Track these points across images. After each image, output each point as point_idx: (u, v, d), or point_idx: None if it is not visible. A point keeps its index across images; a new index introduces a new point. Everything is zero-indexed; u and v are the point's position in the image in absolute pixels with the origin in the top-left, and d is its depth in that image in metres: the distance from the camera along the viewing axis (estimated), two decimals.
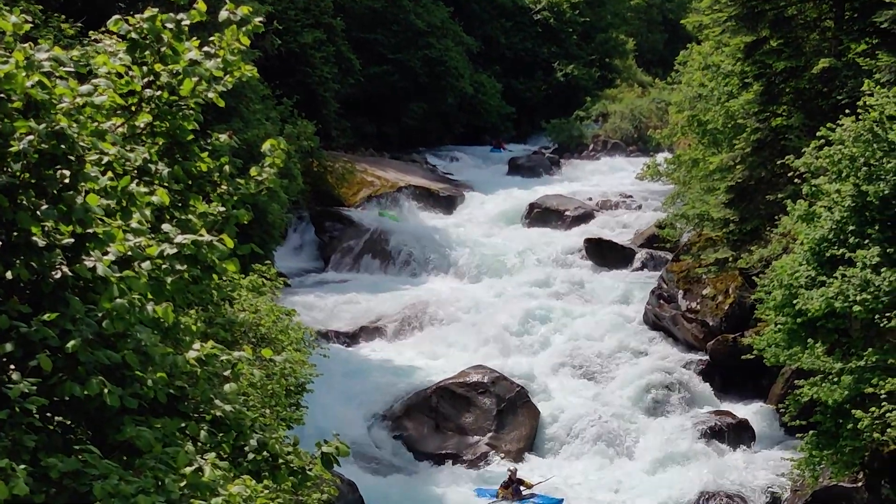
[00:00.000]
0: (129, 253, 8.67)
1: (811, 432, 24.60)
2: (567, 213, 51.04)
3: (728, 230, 35.34)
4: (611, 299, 40.80)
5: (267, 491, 13.16)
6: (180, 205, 9.78)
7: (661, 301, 37.66)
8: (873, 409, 22.03)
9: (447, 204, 55.00)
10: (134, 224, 8.93)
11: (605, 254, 45.18)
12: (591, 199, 54.32)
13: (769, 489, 28.57)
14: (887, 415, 21.66)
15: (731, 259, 34.83)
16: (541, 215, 51.46)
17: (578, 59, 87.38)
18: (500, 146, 72.80)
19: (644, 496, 28.84)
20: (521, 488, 27.15)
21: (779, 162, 30.71)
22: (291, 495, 16.18)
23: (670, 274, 37.94)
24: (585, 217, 50.61)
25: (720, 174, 36.10)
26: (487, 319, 38.86)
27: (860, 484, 26.51)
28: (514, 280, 43.02)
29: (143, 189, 9.16)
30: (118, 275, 8.44)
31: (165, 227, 9.17)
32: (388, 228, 48.55)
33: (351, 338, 38.26)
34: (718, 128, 37.19)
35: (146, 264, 8.71)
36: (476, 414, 32.37)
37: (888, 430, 21.83)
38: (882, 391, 21.85)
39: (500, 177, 64.39)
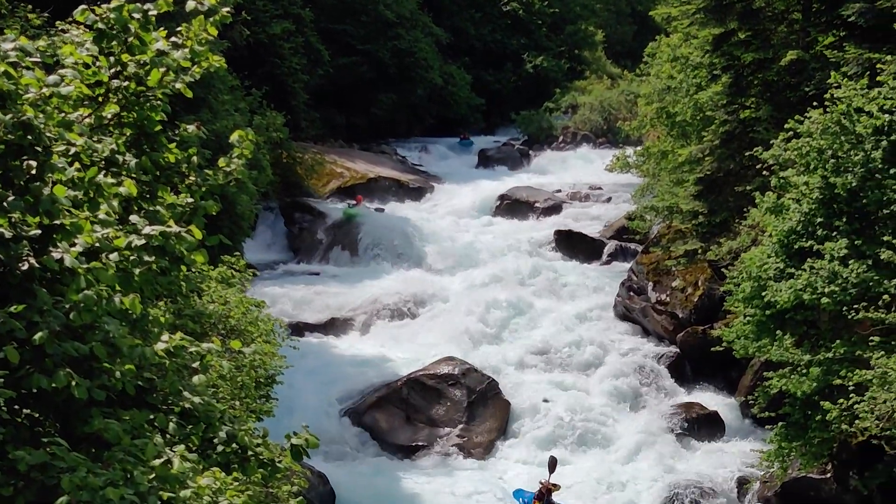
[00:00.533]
0: (97, 244, 8.62)
1: (780, 424, 24.71)
2: (537, 204, 51.12)
3: (697, 222, 35.46)
4: (581, 291, 40.88)
5: (236, 483, 13.08)
6: (148, 196, 9.74)
7: (631, 293, 37.76)
8: (842, 400, 22.12)
9: (417, 195, 54.98)
10: (101, 215, 8.89)
11: (575, 246, 45.29)
12: (560, 190, 54.45)
13: (739, 481, 28.68)
14: (855, 406, 21.75)
15: (700, 251, 34.95)
16: (510, 207, 51.53)
17: (548, 51, 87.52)
18: (466, 137, 72.48)
19: (614, 488, 28.88)
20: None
21: (747, 154, 30.84)
22: (261, 487, 16.14)
23: (640, 266, 38.04)
24: (555, 209, 50.72)
25: (689, 166, 36.21)
26: (458, 311, 38.85)
27: (829, 475, 26.64)
28: (485, 272, 42.97)
29: (110, 180, 9.12)
30: (86, 266, 8.40)
31: (133, 218, 9.12)
32: (357, 220, 48.44)
33: (321, 329, 38.18)
34: (687, 120, 37.31)
35: (114, 256, 8.66)
36: (447, 406, 32.37)
37: (856, 421, 21.93)
38: (850, 383, 21.94)
39: (469, 168, 64.49)
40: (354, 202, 49.52)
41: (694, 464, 29.78)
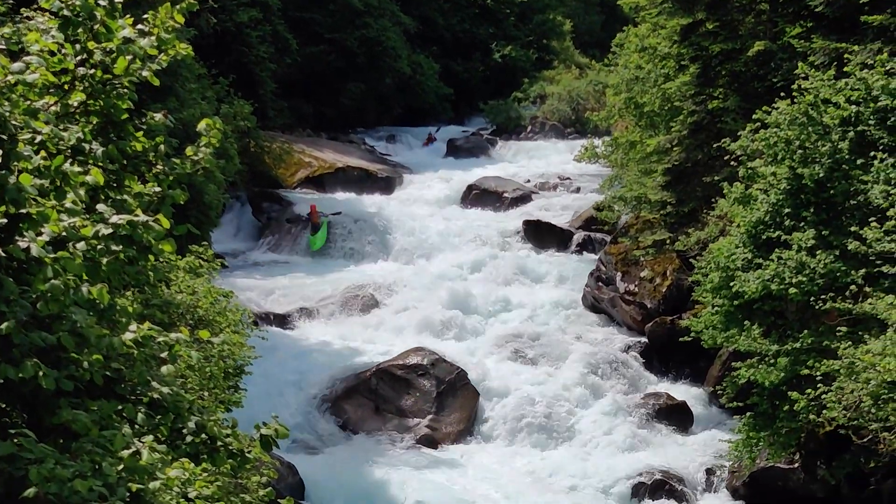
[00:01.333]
0: (64, 233, 8.58)
1: (748, 414, 24.79)
2: (505, 194, 51.12)
3: (665, 212, 35.53)
4: (550, 281, 40.95)
5: (206, 474, 13.06)
6: (115, 185, 9.70)
7: (600, 283, 37.84)
8: (809, 390, 22.22)
9: (385, 185, 54.89)
10: (68, 204, 8.84)
11: (543, 236, 45.30)
12: (529, 180, 54.46)
13: (707, 470, 28.79)
14: (823, 396, 21.85)
15: (668, 241, 35.02)
16: (479, 197, 51.52)
17: (516, 41, 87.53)
18: (433, 139, 70.48)
19: (583, 478, 28.92)
20: None
21: (715, 145, 30.89)
22: (231, 478, 16.08)
23: (608, 256, 38.11)
24: (524, 199, 50.74)
25: (657, 157, 36.28)
26: (426, 301, 38.83)
27: (797, 465, 26.77)
28: (453, 262, 42.99)
29: (77, 169, 9.07)
30: (52, 255, 8.35)
31: (100, 207, 9.07)
32: (327, 211, 48.29)
33: (289, 320, 38.06)
34: (655, 110, 37.35)
35: (81, 245, 8.61)
36: (415, 396, 32.33)
37: (824, 411, 22.03)
38: (817, 373, 22.04)
39: (438, 158, 64.42)
40: (308, 215, 47.34)
41: (662, 454, 29.84)
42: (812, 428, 24.19)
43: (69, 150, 9.28)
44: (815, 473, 25.81)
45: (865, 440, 22.40)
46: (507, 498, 27.79)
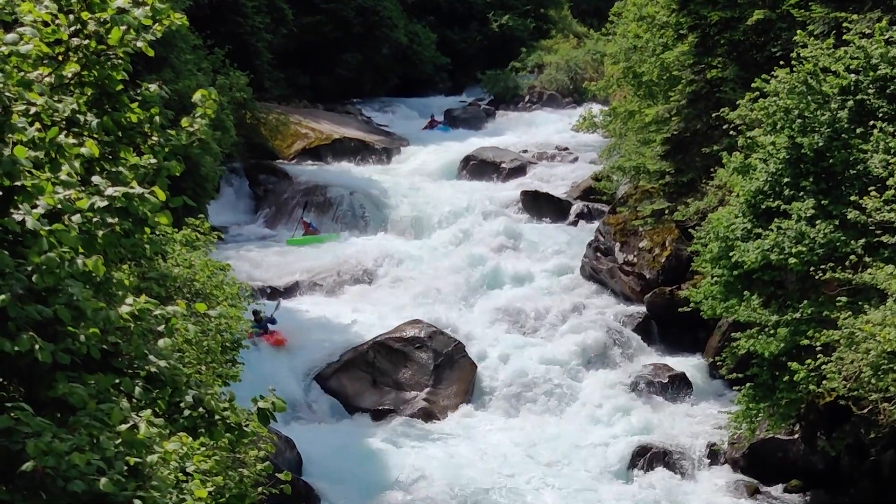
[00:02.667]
0: (59, 206, 8.49)
1: (748, 385, 24.77)
2: (503, 165, 50.96)
3: (664, 182, 35.47)
4: (548, 252, 40.83)
5: (203, 448, 13.04)
6: (110, 157, 9.62)
7: (598, 254, 37.76)
8: (809, 361, 22.19)
9: (383, 156, 54.73)
10: (63, 176, 8.75)
11: (541, 206, 45.21)
12: (526, 151, 54.26)
13: (706, 442, 28.78)
14: (823, 367, 21.82)
15: (667, 211, 34.96)
16: (477, 168, 51.35)
17: (513, 10, 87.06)
18: (437, 122, 66.52)
19: (581, 449, 28.97)
20: None
21: (714, 114, 30.85)
22: (228, 452, 16.06)
23: (607, 227, 38.03)
24: (521, 169, 50.58)
25: (656, 126, 36.17)
26: (424, 273, 38.80)
27: (796, 436, 26.81)
28: (451, 233, 42.90)
29: (71, 140, 8.99)
30: (48, 228, 8.27)
31: (95, 179, 8.99)
32: (323, 182, 48.15)
33: (286, 293, 38.01)
34: (654, 80, 37.20)
35: (76, 217, 8.53)
36: (413, 369, 32.31)
37: (824, 382, 22.01)
38: (817, 343, 22.01)
39: (435, 129, 64.17)
40: (300, 225, 44.95)
41: (661, 425, 29.86)
42: (812, 399, 24.18)
43: (64, 122, 9.21)
44: (815, 444, 25.82)
45: (865, 411, 22.39)
46: (506, 470, 27.83)
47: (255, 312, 31.08)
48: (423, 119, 66.90)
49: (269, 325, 32.70)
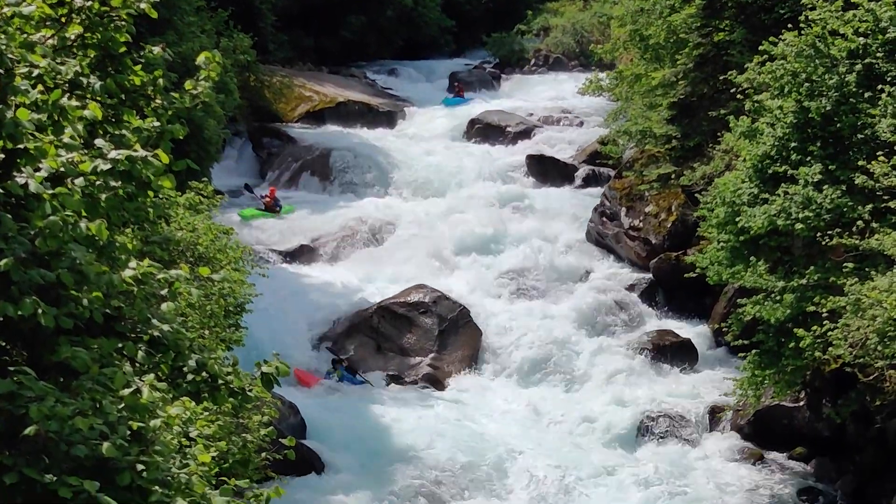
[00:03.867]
0: (62, 169, 8.46)
1: (753, 352, 24.69)
2: (508, 129, 50.72)
3: (670, 146, 35.32)
4: (553, 217, 40.64)
5: (206, 413, 13.03)
6: (113, 119, 9.58)
7: (604, 219, 37.65)
8: (815, 327, 22.12)
9: (387, 120, 54.49)
10: (66, 139, 8.71)
11: (547, 170, 45.04)
12: (532, 114, 54.00)
13: (711, 409, 28.76)
14: (829, 333, 21.76)
15: (673, 176, 34.80)
16: (482, 131, 51.12)
17: None
18: (460, 93, 61.36)
19: (586, 416, 28.96)
20: None
21: (721, 78, 30.68)
22: (231, 417, 16.04)
23: (613, 191, 37.88)
24: (527, 133, 50.32)
25: (662, 90, 35.96)
26: (429, 238, 38.67)
27: (802, 403, 26.79)
28: (456, 197, 42.71)
29: (74, 103, 8.96)
30: (51, 191, 8.25)
31: (98, 142, 8.95)
32: (327, 145, 47.98)
33: (290, 257, 37.93)
34: (660, 43, 36.88)
35: (79, 181, 8.49)
36: (418, 334, 32.28)
37: (830, 348, 21.95)
38: (823, 310, 21.94)
39: (440, 92, 63.78)
40: (265, 198, 42.52)
41: (666, 392, 29.84)
42: (818, 366, 24.14)
43: (67, 84, 9.18)
44: (821, 412, 25.80)
45: (871, 378, 22.37)
46: (511, 437, 27.82)
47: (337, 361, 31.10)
48: (428, 82, 66.53)
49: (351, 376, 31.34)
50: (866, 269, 21.71)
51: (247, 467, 16.31)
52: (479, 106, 55.99)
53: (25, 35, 9.11)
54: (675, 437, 27.87)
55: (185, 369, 9.38)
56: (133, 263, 9.21)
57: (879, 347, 20.74)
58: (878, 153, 22.21)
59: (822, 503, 25.02)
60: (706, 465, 26.78)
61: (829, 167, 23.18)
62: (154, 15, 9.70)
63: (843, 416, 24.43)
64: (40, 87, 8.84)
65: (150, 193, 9.02)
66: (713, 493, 25.34)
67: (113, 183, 8.65)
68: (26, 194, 8.21)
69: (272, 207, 41.68)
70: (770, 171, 24.15)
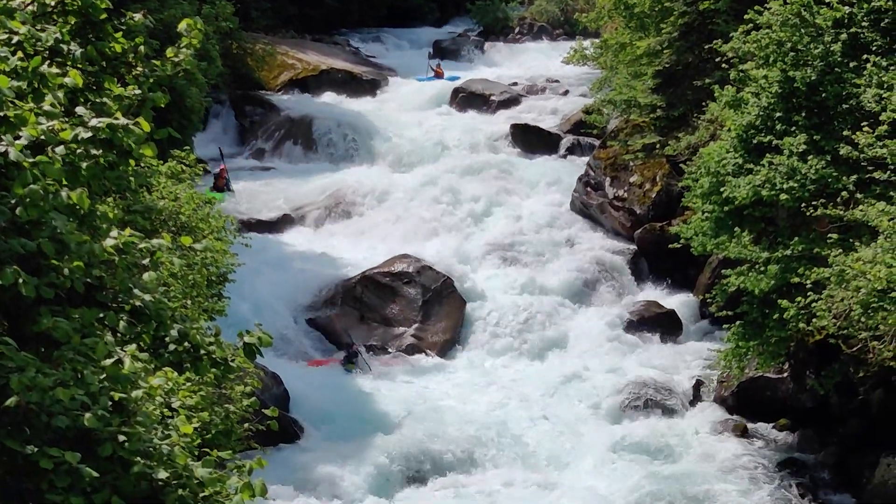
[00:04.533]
0: (42, 137, 8.37)
1: (737, 323, 24.72)
2: (492, 97, 50.57)
3: (655, 116, 35.26)
4: (538, 186, 40.55)
5: (189, 383, 12.96)
6: (94, 87, 9.49)
7: (588, 189, 37.57)
8: (799, 298, 22.13)
9: (371, 88, 54.27)
10: (46, 107, 8.61)
11: (531, 140, 44.93)
12: (516, 83, 53.87)
13: (695, 380, 28.80)
14: (813, 305, 21.77)
15: (658, 145, 34.76)
16: (466, 100, 50.96)
17: None
18: (439, 73, 59.26)
19: (570, 387, 28.96)
20: None
21: (706, 47, 30.60)
22: (214, 387, 15.98)
23: (597, 161, 37.81)
24: (511, 102, 50.18)
25: (647, 59, 35.85)
26: (413, 207, 38.61)
27: (785, 375, 26.83)
28: (440, 167, 42.53)
29: (55, 70, 8.86)
30: (31, 160, 8.15)
31: (79, 110, 8.85)
32: (310, 113, 47.79)
33: (273, 227, 37.83)
34: (645, 11, 36.73)
35: (60, 149, 8.40)
36: (401, 304, 32.25)
37: (813, 320, 21.98)
38: (808, 281, 21.95)
39: (424, 60, 63.58)
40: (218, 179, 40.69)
41: (650, 363, 29.89)
42: (801, 337, 24.17)
43: (47, 51, 9.08)
44: (804, 383, 25.85)
45: (855, 349, 22.40)
46: (494, 408, 27.84)
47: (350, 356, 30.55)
48: (412, 51, 66.21)
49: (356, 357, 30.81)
50: (850, 240, 21.71)
51: (229, 438, 16.30)
52: (462, 74, 55.79)
53: (4, 1, 8.98)
54: (660, 408, 27.86)
55: (167, 339, 9.31)
56: (114, 233, 9.13)
57: (863, 319, 20.75)
58: (862, 123, 22.19)
59: (805, 474, 25.07)
60: (690, 436, 26.78)
61: (814, 137, 23.16)
62: None
63: (826, 387, 24.46)
64: (20, 53, 8.75)
65: (132, 162, 8.95)
66: (696, 465, 25.36)
67: (94, 151, 8.57)
68: (6, 163, 8.12)
69: (221, 188, 40.17)
70: (755, 142, 24.12)
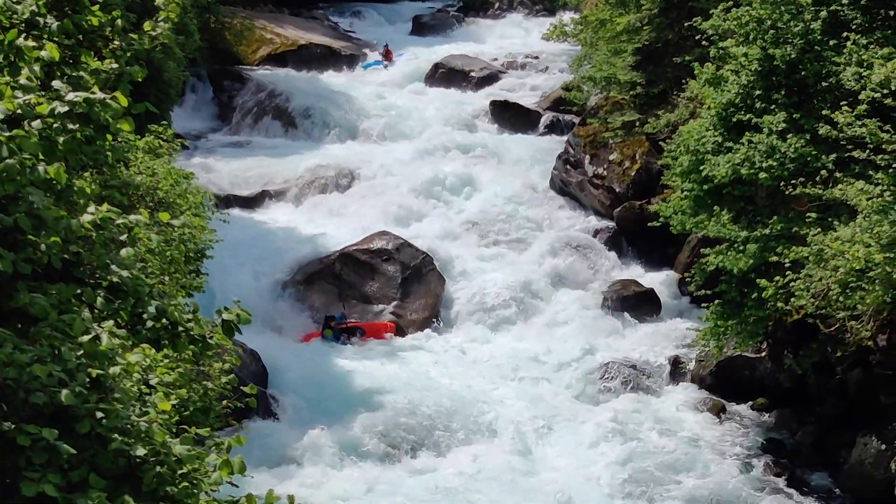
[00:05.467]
0: (19, 111, 8.30)
1: (716, 302, 24.77)
2: (472, 74, 50.47)
3: (635, 93, 35.22)
4: (517, 164, 40.45)
5: (167, 360, 12.89)
6: (71, 61, 9.40)
7: (568, 166, 37.51)
8: (777, 278, 22.17)
9: (349, 63, 54.07)
10: (23, 80, 8.54)
11: (511, 117, 44.86)
12: (496, 59, 53.75)
13: (673, 359, 28.83)
14: (791, 284, 21.82)
15: (638, 123, 34.74)
16: (445, 76, 50.83)
17: None
18: (388, 57, 57.45)
19: (548, 366, 28.98)
20: None
21: (686, 24, 30.54)
22: (192, 364, 15.91)
23: (577, 138, 37.75)
24: (491, 78, 50.10)
25: (627, 36, 35.81)
26: (392, 184, 38.50)
27: (764, 354, 26.90)
28: (419, 143, 42.42)
29: (31, 43, 8.76)
30: (7, 134, 8.07)
31: (56, 83, 8.76)
32: (289, 89, 47.55)
33: (252, 203, 37.70)
34: None
35: (36, 123, 8.33)
36: (380, 282, 32.17)
37: (792, 299, 22.02)
38: (786, 260, 21.99)
39: (403, 35, 63.34)
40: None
41: (628, 341, 29.96)
42: (780, 316, 24.21)
43: (23, 24, 9.00)
44: (782, 363, 25.93)
45: (833, 329, 22.46)
46: (472, 387, 27.84)
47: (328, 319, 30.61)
48: (390, 26, 65.93)
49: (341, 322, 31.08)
50: (829, 220, 21.76)
51: (208, 415, 16.24)
52: (442, 49, 55.59)
53: None
54: (638, 386, 27.93)
55: (144, 316, 9.25)
56: (92, 208, 9.05)
57: (841, 298, 20.82)
58: (842, 102, 22.17)
59: (782, 453, 25.18)
60: (667, 415, 26.86)
61: (794, 116, 23.17)
62: None
63: (804, 367, 24.55)
64: None
65: (109, 137, 8.87)
66: (674, 444, 25.42)
67: (71, 126, 8.50)
68: None
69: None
70: (734, 120, 24.12)
